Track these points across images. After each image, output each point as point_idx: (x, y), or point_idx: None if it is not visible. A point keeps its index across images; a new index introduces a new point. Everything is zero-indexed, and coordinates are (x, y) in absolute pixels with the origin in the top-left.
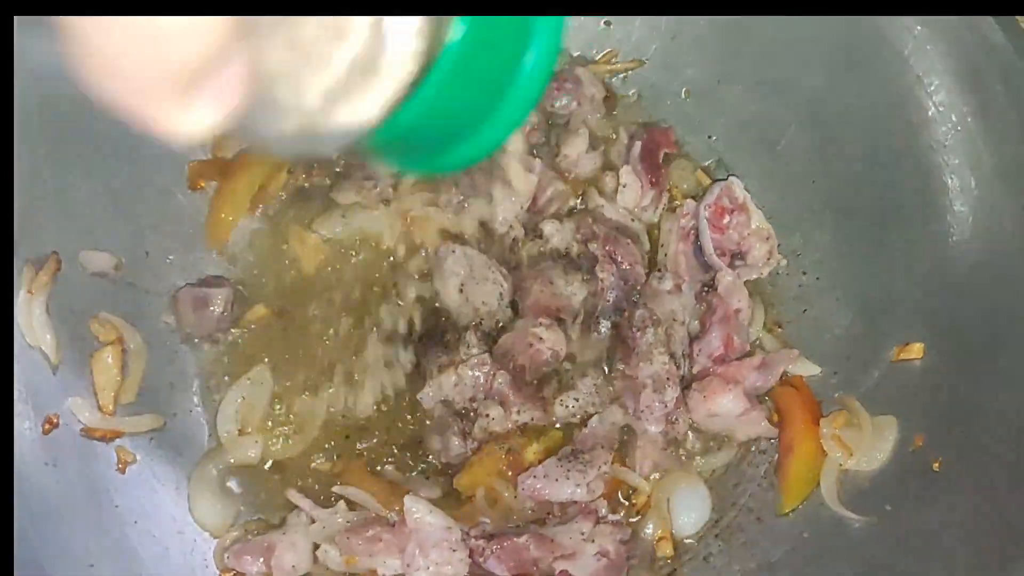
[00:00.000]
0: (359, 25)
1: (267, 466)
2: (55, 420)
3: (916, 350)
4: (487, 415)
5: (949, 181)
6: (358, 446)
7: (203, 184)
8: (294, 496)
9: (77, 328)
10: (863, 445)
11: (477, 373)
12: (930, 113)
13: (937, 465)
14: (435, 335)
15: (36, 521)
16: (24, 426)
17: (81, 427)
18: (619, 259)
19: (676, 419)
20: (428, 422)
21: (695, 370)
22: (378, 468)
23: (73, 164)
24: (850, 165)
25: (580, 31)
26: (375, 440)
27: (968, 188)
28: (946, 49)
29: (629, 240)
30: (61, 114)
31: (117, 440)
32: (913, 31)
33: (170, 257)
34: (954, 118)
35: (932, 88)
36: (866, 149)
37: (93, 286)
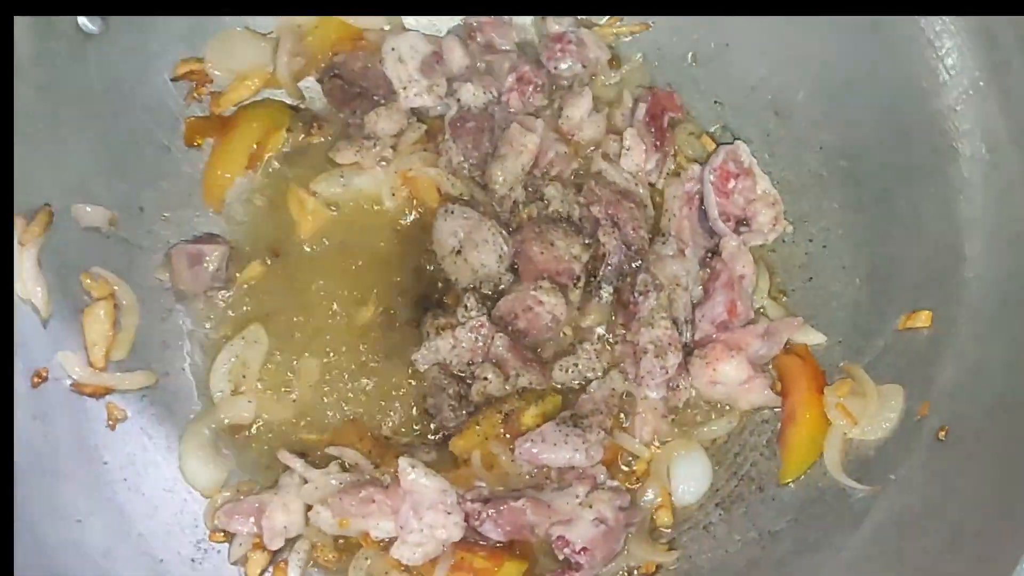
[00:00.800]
0: None
1: (260, 426)
2: (44, 374)
3: (923, 318)
4: (484, 378)
5: (959, 147)
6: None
7: (200, 141)
8: (285, 456)
9: (69, 282)
10: (868, 414)
11: (475, 336)
12: (941, 77)
13: (943, 434)
14: (433, 297)
15: (23, 475)
16: None
17: (71, 382)
18: (622, 223)
19: (677, 386)
20: (423, 384)
21: (698, 336)
22: (373, 430)
23: (68, 115)
24: (859, 131)
25: None
26: (370, 405)
27: (979, 154)
28: None
29: (632, 204)
30: (57, 63)
31: (108, 396)
32: None
33: (165, 214)
34: (966, 82)
35: (944, 51)
36: (875, 115)
37: (86, 240)
